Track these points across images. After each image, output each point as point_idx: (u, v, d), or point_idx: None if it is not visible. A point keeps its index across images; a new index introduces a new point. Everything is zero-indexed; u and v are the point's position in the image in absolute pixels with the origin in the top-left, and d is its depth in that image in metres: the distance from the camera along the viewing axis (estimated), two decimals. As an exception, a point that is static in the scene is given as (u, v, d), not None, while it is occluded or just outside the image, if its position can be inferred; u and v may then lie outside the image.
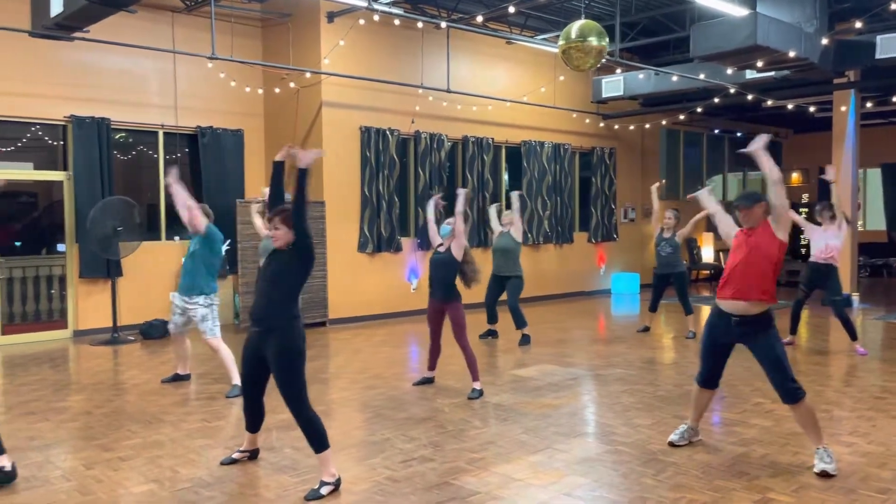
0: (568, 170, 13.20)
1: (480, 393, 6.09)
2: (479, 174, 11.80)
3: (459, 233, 6.20)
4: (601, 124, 13.68)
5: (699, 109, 13.10)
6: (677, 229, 8.89)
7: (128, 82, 9.59)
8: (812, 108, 12.97)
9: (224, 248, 6.60)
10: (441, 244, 6.32)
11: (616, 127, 14.01)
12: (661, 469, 4.32)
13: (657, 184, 8.92)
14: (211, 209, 6.58)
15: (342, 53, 9.94)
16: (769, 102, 12.54)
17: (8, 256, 8.91)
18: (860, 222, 16.60)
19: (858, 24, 9.25)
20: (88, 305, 9.34)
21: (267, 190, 7.13)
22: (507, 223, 8.57)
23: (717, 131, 16.77)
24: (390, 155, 10.64)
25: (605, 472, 4.30)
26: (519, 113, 12.19)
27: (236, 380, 6.18)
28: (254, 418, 4.40)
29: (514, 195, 8.73)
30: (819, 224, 7.89)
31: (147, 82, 9.77)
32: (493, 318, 8.84)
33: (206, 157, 10.14)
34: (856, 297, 12.16)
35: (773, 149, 18.64)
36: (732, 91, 11.39)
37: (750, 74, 10.54)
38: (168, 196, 9.51)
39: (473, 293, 9.00)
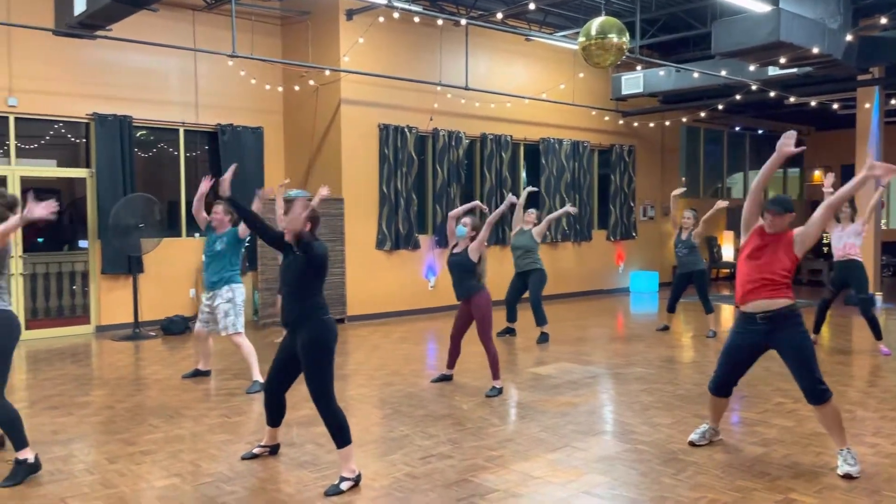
0: (587, 167, 13.14)
1: (500, 391, 6.09)
2: (497, 172, 11.78)
3: (483, 239, 6.16)
4: (620, 122, 13.60)
5: (720, 107, 12.98)
6: (697, 230, 8.84)
7: (149, 80, 9.68)
8: (835, 106, 12.82)
9: (245, 242, 6.64)
10: (456, 244, 6.30)
11: (635, 124, 13.93)
12: (682, 468, 4.29)
13: (678, 190, 8.83)
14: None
15: (361, 51, 9.96)
16: (792, 99, 12.40)
17: (31, 252, 9.03)
18: (883, 221, 16.37)
19: (883, 21, 9.13)
20: (110, 301, 9.45)
21: (282, 188, 7.15)
22: (530, 221, 8.55)
23: (738, 128, 16.62)
24: (408, 152, 10.65)
25: (624, 470, 4.28)
26: (538, 110, 12.15)
27: (257, 376, 6.23)
28: (275, 413, 4.44)
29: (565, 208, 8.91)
30: (838, 222, 7.80)
31: (168, 80, 9.86)
32: (512, 317, 8.82)
33: (226, 154, 10.20)
34: (879, 297, 12.00)
35: (795, 146, 18.44)
36: (754, 88, 11.28)
37: (772, 71, 10.44)
38: (192, 189, 9.58)
39: (496, 291, 9.01)
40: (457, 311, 6.42)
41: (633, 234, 14.12)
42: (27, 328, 8.89)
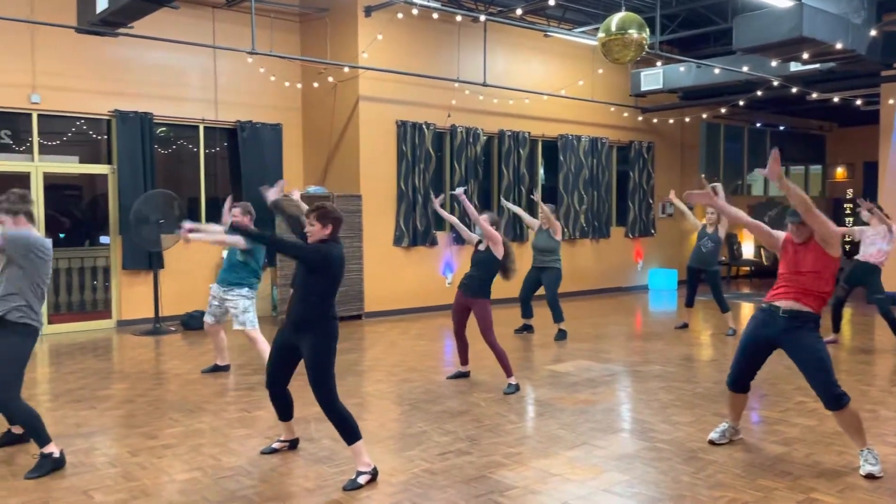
0: (605, 164, 13.07)
1: (516, 388, 6.08)
2: (515, 168, 11.75)
3: (488, 236, 6.10)
4: (640, 118, 13.51)
5: (741, 103, 12.86)
6: (720, 225, 8.75)
7: (170, 77, 9.76)
8: (858, 102, 12.64)
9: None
10: (480, 242, 6.29)
11: (655, 121, 13.83)
12: (701, 467, 4.27)
13: (672, 192, 8.87)
14: (252, 204, 6.62)
15: (379, 47, 9.97)
16: (814, 95, 12.25)
17: (54, 248, 9.09)
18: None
19: (908, 15, 8.99)
20: (131, 296, 9.55)
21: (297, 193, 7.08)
22: (545, 222, 8.51)
23: (758, 125, 16.45)
24: (426, 149, 10.65)
25: (643, 468, 4.26)
26: (556, 106, 12.10)
27: None
28: (283, 407, 4.44)
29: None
30: (867, 224, 7.71)
31: (188, 77, 9.93)
32: (527, 313, 8.80)
33: (246, 151, 10.26)
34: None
35: (817, 142, 18.25)
36: (776, 84, 11.15)
37: (794, 67, 10.31)
38: (211, 185, 9.65)
39: (509, 288, 8.99)
40: (453, 306, 6.39)
41: (652, 232, 14.03)
42: (49, 322, 9.01)
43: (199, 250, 9.93)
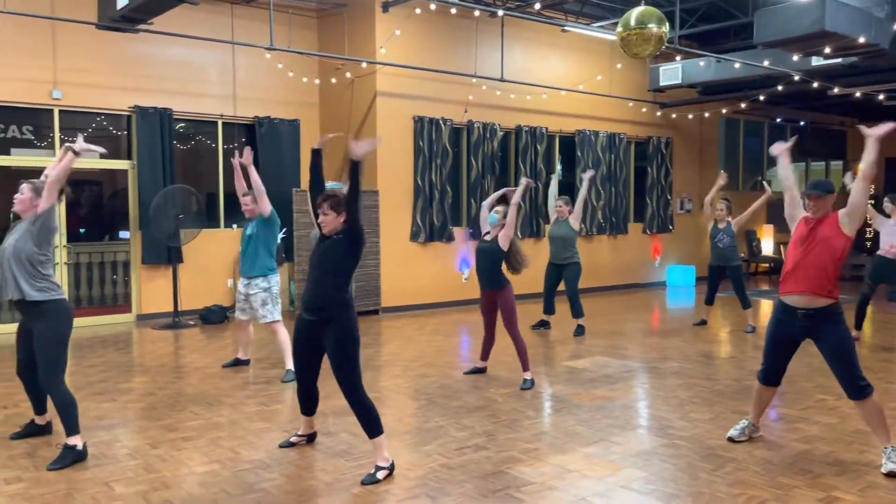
0: (623, 159, 13.00)
1: (532, 383, 6.07)
2: (532, 164, 11.72)
3: (510, 224, 6.06)
4: (658, 113, 13.42)
5: (761, 98, 12.73)
6: (731, 218, 8.69)
7: (189, 73, 9.82)
8: (881, 97, 12.47)
9: (280, 235, 6.71)
10: (488, 232, 6.28)
11: (673, 116, 13.73)
12: (720, 464, 4.24)
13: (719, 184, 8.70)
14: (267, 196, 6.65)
15: (396, 43, 9.97)
16: (835, 90, 12.10)
17: (75, 242, 9.24)
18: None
19: (933, 8, 8.84)
20: (151, 290, 9.64)
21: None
22: (563, 212, 8.49)
23: (779, 120, 16.27)
24: (443, 144, 10.65)
25: (661, 465, 4.24)
26: (573, 102, 12.05)
27: (290, 364, 6.31)
28: (308, 402, 4.46)
29: (586, 177, 8.59)
30: (888, 217, 7.60)
31: (207, 73, 9.99)
32: (549, 309, 8.77)
33: (264, 146, 10.31)
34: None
35: (838, 138, 18.03)
36: (797, 78, 11.03)
37: (815, 61, 10.18)
38: (229, 180, 9.71)
39: (531, 283, 8.98)
40: (481, 302, 6.38)
41: (670, 228, 13.94)
42: (71, 316, 9.10)
43: (216, 245, 10.00)
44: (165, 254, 9.48)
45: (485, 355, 6.56)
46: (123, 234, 9.71)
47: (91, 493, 3.84)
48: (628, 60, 11.23)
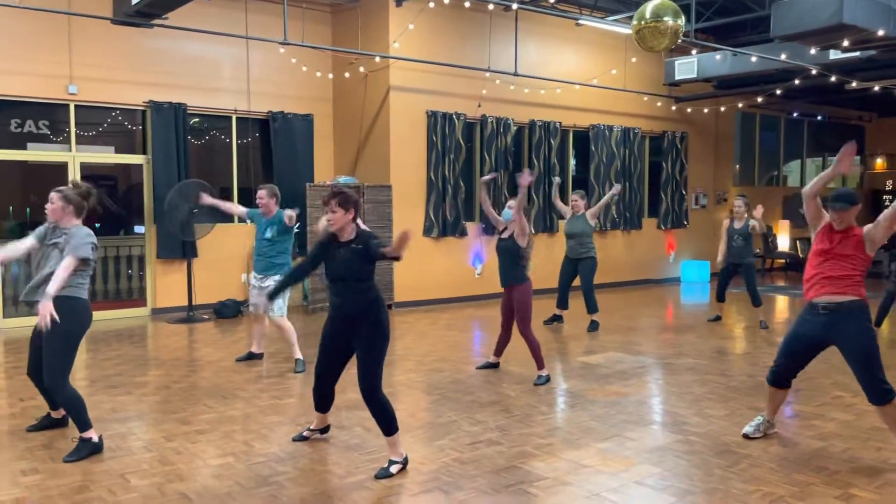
0: (637, 154, 12.92)
1: (547, 378, 6.05)
2: (545, 159, 11.67)
3: (522, 227, 6.03)
4: (673, 108, 13.32)
5: (778, 92, 12.60)
6: (748, 217, 8.61)
7: (203, 68, 9.85)
8: (900, 90, 12.31)
9: (294, 230, 6.73)
10: (505, 229, 6.25)
11: (689, 110, 13.62)
12: (735, 461, 4.21)
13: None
14: (280, 192, 6.66)
15: (410, 37, 9.95)
16: (853, 84, 11.96)
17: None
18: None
19: (954, 0, 8.70)
20: (165, 285, 9.69)
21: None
22: (579, 206, 8.45)
23: (795, 114, 16.11)
24: (456, 139, 10.63)
25: (676, 461, 4.22)
26: (588, 96, 11.98)
27: (298, 354, 6.43)
28: (324, 400, 4.42)
29: (612, 191, 8.65)
30: None
31: (221, 68, 10.02)
32: (563, 303, 8.74)
33: (277, 141, 10.33)
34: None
35: (856, 133, 17.83)
36: (814, 72, 10.90)
37: (833, 55, 10.06)
38: (244, 175, 9.73)
39: (547, 279, 8.95)
40: (502, 300, 6.37)
41: (685, 223, 13.85)
42: (87, 310, 9.17)
43: (230, 240, 10.04)
44: (180, 248, 9.52)
45: (498, 352, 6.55)
46: (138, 229, 9.77)
47: (106, 484, 3.87)
48: (643, 54, 11.14)
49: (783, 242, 15.52)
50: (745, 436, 4.60)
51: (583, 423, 4.93)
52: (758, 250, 14.44)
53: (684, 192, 13.77)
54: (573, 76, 11.52)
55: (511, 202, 6.19)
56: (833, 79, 11.44)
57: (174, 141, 9.52)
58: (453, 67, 10.13)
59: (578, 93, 11.77)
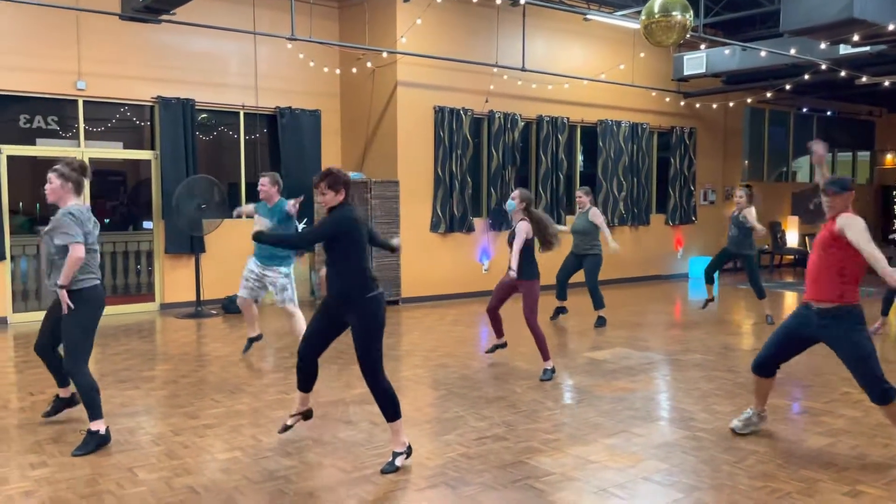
0: (646, 150, 12.88)
1: (552, 372, 6.05)
2: (553, 154, 11.64)
3: (518, 234, 6.04)
4: (682, 103, 13.26)
5: (787, 87, 12.53)
6: (746, 209, 8.49)
7: (211, 64, 9.87)
8: (910, 85, 12.22)
9: (301, 226, 6.73)
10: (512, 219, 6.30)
11: (697, 106, 13.56)
12: (742, 457, 4.20)
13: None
14: (286, 186, 6.68)
15: (417, 32, 9.93)
16: (863, 79, 11.88)
17: (99, 232, 9.32)
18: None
19: (966, -6, 8.62)
20: (174, 280, 9.73)
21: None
22: (581, 201, 8.44)
23: (805, 110, 16.02)
24: (464, 135, 10.61)
25: (683, 457, 4.21)
26: (596, 91, 11.94)
27: None
28: (307, 377, 4.31)
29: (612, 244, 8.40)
30: None
31: (229, 64, 10.03)
32: (562, 295, 8.73)
33: (285, 137, 10.35)
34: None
35: (866, 128, 17.72)
36: (824, 67, 10.84)
37: (843, 50, 9.99)
38: (251, 170, 9.76)
39: (550, 274, 8.91)
40: (498, 283, 6.37)
41: (693, 219, 13.80)
42: (96, 305, 9.22)
43: (238, 235, 10.05)
44: (188, 243, 9.55)
45: (499, 333, 6.56)
46: (147, 224, 9.81)
47: (115, 478, 3.89)
48: (652, 49, 11.11)
49: (792, 238, 15.44)
50: (734, 431, 4.57)
51: (590, 419, 4.93)
52: (766, 246, 14.39)
53: (692, 188, 13.72)
54: (581, 71, 11.48)
55: (514, 192, 6.22)
56: (843, 74, 11.36)
57: (182, 136, 9.54)
58: (461, 63, 10.11)
59: (586, 88, 11.73)
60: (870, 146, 18.02)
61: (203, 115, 10.08)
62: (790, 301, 10.77)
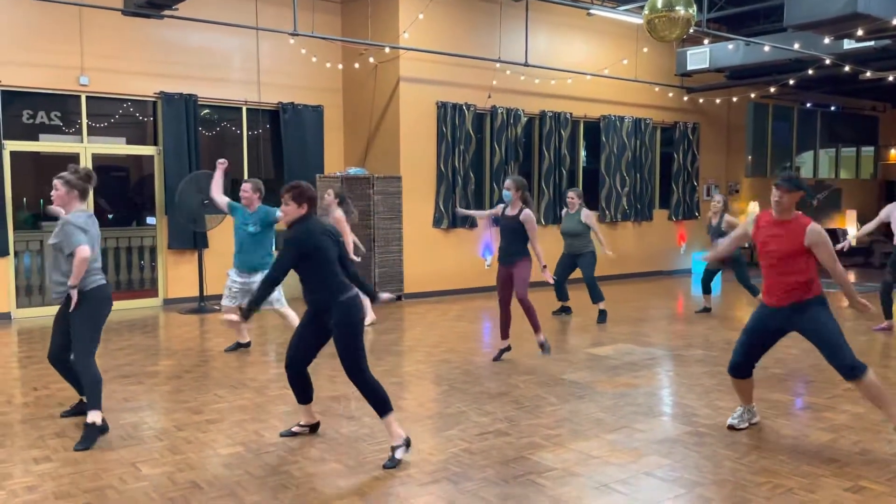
0: (649, 145, 12.86)
1: (548, 346, 6.33)
2: (556, 150, 11.63)
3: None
4: (685, 98, 13.24)
5: (791, 82, 12.49)
6: (723, 214, 8.70)
7: (213, 59, 9.86)
8: (915, 80, 12.17)
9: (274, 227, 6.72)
10: (507, 206, 6.32)
11: (700, 101, 13.53)
12: (744, 453, 4.20)
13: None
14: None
15: (420, 28, 9.92)
16: (867, 74, 11.84)
17: (102, 228, 9.30)
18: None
19: (971, -12, 8.58)
20: (177, 275, 9.74)
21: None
22: (573, 203, 8.45)
23: (808, 105, 15.97)
24: (466, 130, 10.60)
25: (685, 453, 4.21)
26: (599, 86, 11.92)
27: None
28: (302, 389, 4.37)
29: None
30: None
31: (231, 59, 10.03)
32: (563, 296, 8.73)
33: (287, 132, 10.35)
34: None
35: (870, 123, 17.66)
36: (828, 62, 10.80)
37: (847, 44, 9.96)
38: (254, 167, 9.77)
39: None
40: (498, 279, 6.42)
41: (696, 214, 13.78)
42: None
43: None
44: (191, 239, 9.57)
45: (504, 334, 6.56)
46: (150, 220, 9.82)
47: (118, 473, 3.91)
48: (655, 44, 11.07)
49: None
50: (731, 427, 4.58)
51: (591, 415, 4.93)
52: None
53: (696, 184, 13.70)
54: (584, 66, 11.46)
55: (508, 182, 6.29)
56: (847, 69, 11.32)
57: (185, 132, 9.55)
58: (463, 58, 10.10)
59: (589, 83, 11.71)
60: (874, 141, 17.96)
61: (206, 111, 10.09)
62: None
